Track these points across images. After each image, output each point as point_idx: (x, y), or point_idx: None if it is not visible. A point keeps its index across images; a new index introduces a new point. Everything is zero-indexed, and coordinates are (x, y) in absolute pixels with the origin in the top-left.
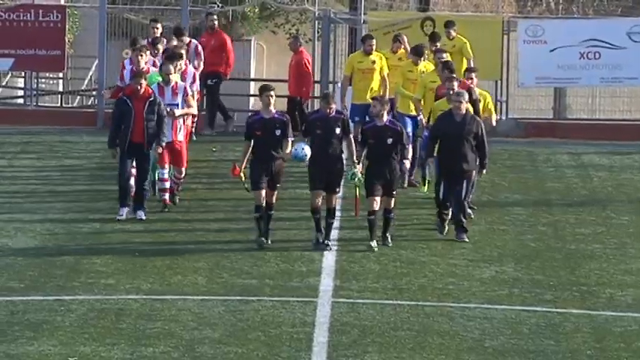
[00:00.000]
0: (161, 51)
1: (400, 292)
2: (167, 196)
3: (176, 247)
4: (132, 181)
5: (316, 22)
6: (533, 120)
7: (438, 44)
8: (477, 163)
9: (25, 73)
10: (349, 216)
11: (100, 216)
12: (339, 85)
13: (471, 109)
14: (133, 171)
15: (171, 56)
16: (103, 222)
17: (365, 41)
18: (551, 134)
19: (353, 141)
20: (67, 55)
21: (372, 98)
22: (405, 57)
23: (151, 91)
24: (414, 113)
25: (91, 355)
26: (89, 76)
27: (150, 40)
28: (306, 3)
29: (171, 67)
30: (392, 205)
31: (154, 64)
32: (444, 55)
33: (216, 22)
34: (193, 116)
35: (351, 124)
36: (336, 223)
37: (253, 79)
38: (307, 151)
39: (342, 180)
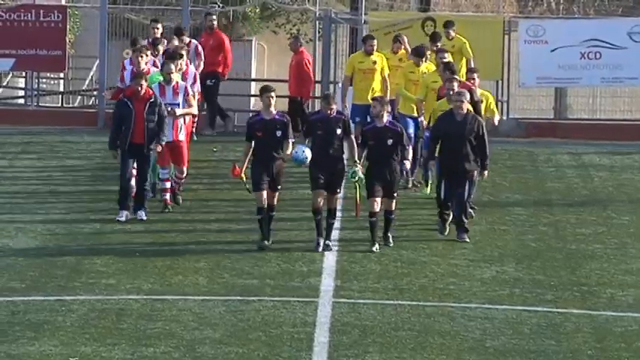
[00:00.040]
0: (161, 51)
1: (401, 292)
2: (168, 196)
3: (177, 248)
4: (133, 182)
5: (317, 22)
6: (534, 120)
7: (439, 44)
8: (478, 164)
9: (26, 73)
10: (350, 216)
11: (101, 216)
12: (340, 85)
13: (472, 110)
14: (134, 172)
15: (172, 56)
16: (104, 222)
17: (366, 41)
18: (552, 134)
19: (354, 141)
20: (68, 55)
21: (372, 99)
22: (406, 57)
23: (151, 92)
24: (415, 114)
25: (92, 356)
26: (90, 77)
27: (150, 40)
28: (307, 3)
29: (173, 67)
30: (393, 207)
31: (154, 64)
32: (446, 55)
33: (214, 22)
34: (194, 116)
35: (352, 125)
36: (336, 224)
37: (254, 80)
38: (308, 153)
39: (344, 181)
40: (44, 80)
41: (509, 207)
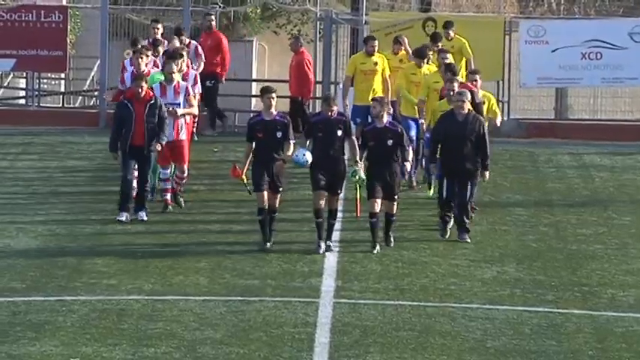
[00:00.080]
0: (161, 52)
1: (402, 293)
2: (169, 196)
3: (178, 248)
4: (134, 183)
5: (318, 22)
6: (535, 120)
7: (440, 44)
8: (480, 164)
9: (27, 73)
10: (351, 217)
11: (102, 217)
12: (341, 85)
13: (473, 110)
14: (135, 173)
15: (173, 55)
16: (105, 223)
17: (367, 42)
18: (553, 134)
19: (355, 142)
20: (69, 56)
21: (372, 99)
22: (406, 58)
23: (151, 94)
24: (417, 116)
25: (93, 356)
26: (91, 77)
27: (150, 40)
28: (307, 3)
29: (174, 66)
30: (394, 210)
31: (154, 64)
32: (448, 55)
33: (213, 23)
34: (194, 116)
35: (353, 126)
36: (337, 225)
37: (255, 80)
38: (308, 156)
39: (345, 181)
40: (45, 81)
41: (510, 207)
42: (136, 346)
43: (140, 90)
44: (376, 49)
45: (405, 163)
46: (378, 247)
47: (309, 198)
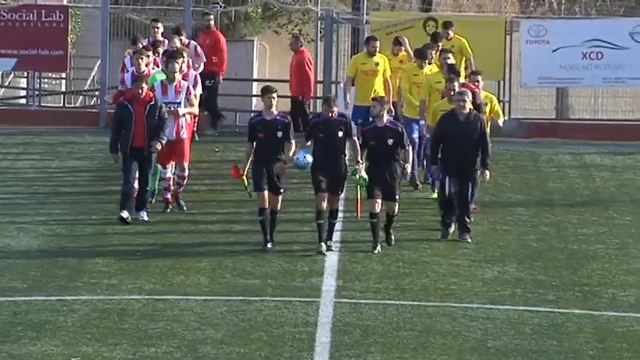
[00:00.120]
0: (161, 52)
1: (402, 293)
2: (169, 195)
3: (178, 248)
4: (135, 184)
5: (319, 22)
6: (536, 120)
7: (440, 44)
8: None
9: (28, 73)
10: (352, 217)
11: (103, 216)
12: (341, 85)
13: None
14: (136, 174)
15: (174, 54)
16: (106, 222)
17: (369, 42)
18: (554, 134)
19: (357, 142)
20: (70, 56)
21: (372, 99)
22: (407, 59)
23: (151, 95)
24: (419, 117)
25: (94, 356)
26: (92, 77)
27: (150, 40)
28: (308, 3)
29: (177, 66)
30: (395, 211)
31: (155, 63)
32: (449, 55)
33: (211, 22)
34: (195, 116)
35: (354, 126)
36: (338, 225)
37: (256, 80)
38: (309, 159)
39: (345, 182)
40: (46, 80)
41: (510, 207)
42: (136, 345)
43: (140, 91)
44: (378, 49)
45: (406, 165)
46: (379, 247)
47: (309, 198)
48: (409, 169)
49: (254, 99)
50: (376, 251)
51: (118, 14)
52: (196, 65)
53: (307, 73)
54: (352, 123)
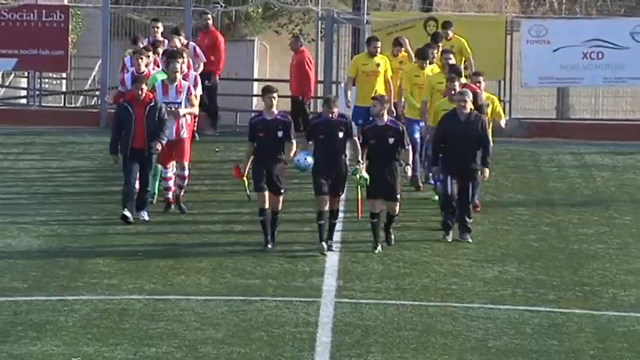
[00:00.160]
0: (161, 52)
1: (403, 293)
2: (171, 194)
3: (179, 248)
4: (136, 185)
5: (319, 22)
6: (537, 120)
7: (440, 44)
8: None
9: (28, 73)
10: (352, 217)
11: (104, 216)
12: (342, 85)
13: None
14: (137, 175)
15: (174, 54)
16: (107, 223)
17: (370, 43)
18: (554, 134)
19: (357, 142)
20: (70, 55)
21: (372, 98)
22: (407, 60)
23: (151, 96)
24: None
25: (94, 356)
26: (92, 77)
27: (150, 40)
28: (309, 3)
29: (178, 66)
30: (396, 211)
31: (155, 63)
32: (451, 56)
33: (210, 22)
34: (195, 116)
35: (355, 127)
36: (339, 225)
37: (256, 80)
38: (310, 160)
39: (346, 182)
40: (46, 80)
41: (511, 207)
42: (137, 345)
43: (140, 92)
44: (379, 50)
45: (407, 167)
46: (379, 247)
47: (310, 198)
48: (410, 171)
49: (254, 99)
50: (377, 251)
51: (118, 14)
52: (196, 66)
53: (307, 72)
54: (353, 123)
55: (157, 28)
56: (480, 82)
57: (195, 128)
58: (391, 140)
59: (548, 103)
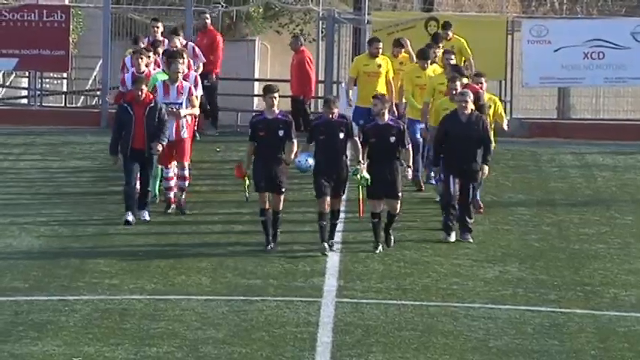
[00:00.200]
0: (161, 52)
1: (404, 292)
2: (172, 194)
3: (180, 248)
4: (137, 185)
5: (320, 22)
6: (537, 120)
7: (440, 45)
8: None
9: (29, 73)
10: (353, 217)
11: (105, 216)
12: (343, 85)
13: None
14: (138, 174)
15: (176, 55)
16: (107, 222)
17: (372, 44)
18: (555, 134)
19: (358, 142)
20: (71, 55)
21: (373, 97)
22: (407, 61)
23: (151, 96)
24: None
25: (95, 355)
26: (93, 77)
27: (150, 40)
28: (310, 3)
29: (180, 66)
30: (397, 210)
31: (155, 63)
32: (452, 56)
33: (208, 21)
34: (195, 116)
35: (355, 127)
36: (340, 225)
37: (257, 80)
38: (311, 162)
39: (347, 183)
40: (47, 80)
41: (512, 207)
42: (138, 345)
43: (140, 93)
44: (380, 51)
45: (408, 169)
46: (380, 247)
47: (310, 198)
48: (410, 173)
49: (255, 99)
50: (377, 251)
51: (119, 14)
52: (195, 67)
53: (308, 72)
54: (354, 124)
55: (157, 27)
56: (481, 83)
57: (195, 128)
58: (392, 139)
59: (549, 103)
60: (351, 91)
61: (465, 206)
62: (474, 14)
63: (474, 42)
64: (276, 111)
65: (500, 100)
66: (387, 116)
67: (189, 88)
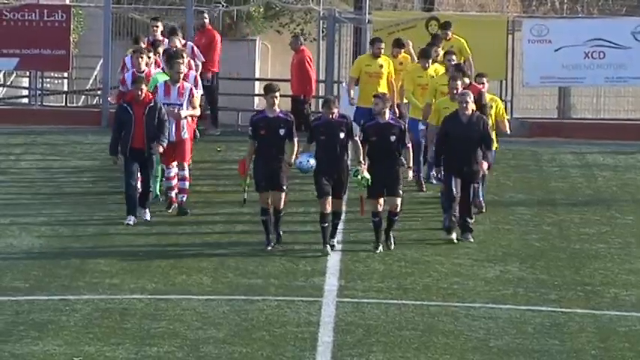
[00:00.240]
0: (162, 52)
1: (405, 292)
2: (173, 193)
3: (181, 247)
4: (138, 185)
5: (321, 21)
6: (538, 120)
7: (440, 46)
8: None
9: (30, 72)
10: (354, 217)
11: (105, 215)
12: (344, 84)
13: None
14: (138, 174)
15: (177, 55)
16: (108, 222)
17: (374, 44)
18: (556, 134)
19: (359, 142)
20: (72, 55)
21: (374, 96)
22: (407, 61)
23: (151, 96)
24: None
25: (96, 355)
26: (94, 76)
27: (150, 40)
28: (310, 2)
29: (182, 67)
30: (398, 208)
31: (156, 63)
32: (454, 57)
33: (206, 21)
34: (196, 117)
35: (357, 127)
36: (340, 224)
37: (258, 79)
38: (312, 162)
39: (348, 183)
40: (48, 80)
41: (513, 206)
42: (138, 345)
43: (139, 92)
44: (382, 51)
45: (408, 170)
46: (381, 247)
47: (311, 198)
48: (411, 174)
49: (256, 98)
50: (378, 251)
51: (120, 14)
52: (194, 66)
53: (308, 71)
54: (354, 124)
55: (157, 27)
56: (483, 83)
57: (196, 126)
58: (392, 138)
59: (549, 103)
60: (352, 91)
61: (465, 206)
62: (474, 14)
63: (475, 42)
64: (278, 110)
65: (500, 99)
66: (388, 115)
67: (191, 89)
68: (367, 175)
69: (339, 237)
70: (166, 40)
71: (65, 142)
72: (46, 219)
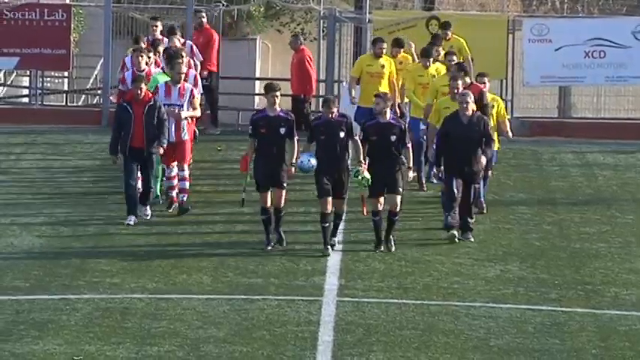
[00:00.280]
0: (161, 51)
1: (405, 291)
2: (174, 193)
3: (181, 247)
4: (139, 184)
5: (321, 21)
6: (538, 119)
7: (440, 46)
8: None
9: (31, 71)
10: (355, 216)
11: (106, 215)
12: (344, 84)
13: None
14: (138, 173)
15: (177, 55)
16: (109, 221)
17: (376, 44)
18: (556, 133)
19: (359, 142)
20: (73, 54)
21: (375, 95)
22: (407, 60)
23: (150, 95)
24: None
25: (97, 354)
26: (94, 75)
27: (150, 39)
28: (311, 2)
29: (183, 67)
30: (398, 207)
31: (156, 63)
32: (454, 57)
33: (204, 20)
34: (197, 117)
35: (357, 127)
36: (341, 224)
37: (258, 79)
38: (313, 162)
39: (349, 183)
40: (48, 79)
41: (513, 206)
42: (139, 344)
43: (139, 92)
44: (384, 51)
45: (408, 170)
46: (381, 248)
47: (312, 197)
48: (411, 174)
49: (256, 98)
50: (378, 250)
51: (120, 13)
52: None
53: (308, 71)
54: (355, 124)
55: (156, 26)
56: (484, 83)
57: (196, 129)
58: (393, 137)
59: (550, 102)
60: (353, 90)
61: (466, 206)
62: (474, 13)
63: (475, 41)
64: (278, 109)
65: (501, 99)
66: (388, 115)
67: (192, 90)
68: (367, 176)
69: (339, 237)
70: (166, 40)
71: (65, 142)
72: (46, 218)
